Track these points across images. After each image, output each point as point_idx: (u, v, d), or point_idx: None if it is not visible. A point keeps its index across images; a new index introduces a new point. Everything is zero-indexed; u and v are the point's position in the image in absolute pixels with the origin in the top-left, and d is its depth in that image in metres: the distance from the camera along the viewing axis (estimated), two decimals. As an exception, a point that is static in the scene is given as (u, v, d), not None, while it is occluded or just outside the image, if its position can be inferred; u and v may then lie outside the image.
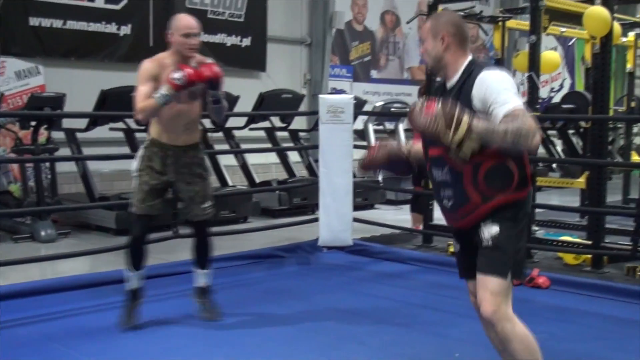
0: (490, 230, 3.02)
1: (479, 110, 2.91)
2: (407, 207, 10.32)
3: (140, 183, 4.56)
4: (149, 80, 4.36)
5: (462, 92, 3.00)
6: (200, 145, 4.75)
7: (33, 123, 7.82)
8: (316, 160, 8.82)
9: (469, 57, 3.12)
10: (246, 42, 12.21)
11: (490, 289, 2.99)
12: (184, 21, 4.50)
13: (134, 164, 4.63)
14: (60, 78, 9.15)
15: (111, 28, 10.39)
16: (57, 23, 9.84)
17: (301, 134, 11.07)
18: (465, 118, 2.76)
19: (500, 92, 2.90)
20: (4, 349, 4.17)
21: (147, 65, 4.45)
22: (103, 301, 5.23)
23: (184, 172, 4.60)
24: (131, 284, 4.66)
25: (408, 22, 13.72)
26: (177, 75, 4.21)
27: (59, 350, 4.28)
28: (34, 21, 9.69)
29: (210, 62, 4.50)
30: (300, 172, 10.64)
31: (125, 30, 10.58)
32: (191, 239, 4.89)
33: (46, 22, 9.78)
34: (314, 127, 9.90)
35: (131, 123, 8.76)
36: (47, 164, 8.46)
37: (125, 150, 8.62)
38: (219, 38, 11.81)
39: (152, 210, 4.57)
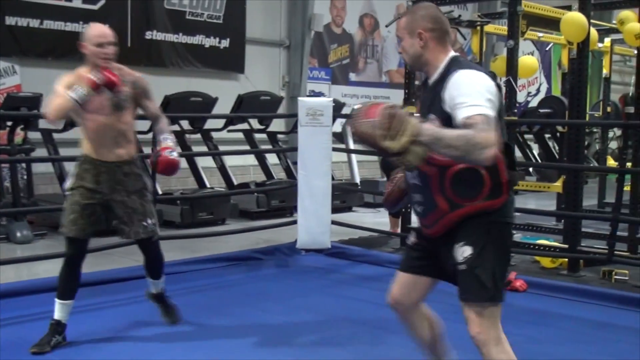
0: (463, 253, 2.83)
1: (447, 112, 2.71)
2: (385, 210, 10.37)
3: (72, 203, 4.23)
4: (64, 88, 4.10)
5: (436, 92, 2.80)
6: (136, 160, 4.41)
7: (9, 123, 7.74)
8: (294, 163, 8.81)
9: (450, 54, 2.90)
10: (225, 43, 12.18)
11: (476, 315, 2.86)
12: (96, 30, 4.24)
13: (67, 182, 4.37)
14: (37, 78, 9.05)
15: (89, 28, 10.31)
16: (34, 22, 9.75)
17: (279, 136, 11.06)
18: (411, 124, 2.52)
19: (467, 94, 2.65)
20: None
21: (65, 77, 4.19)
22: (79, 303, 5.17)
23: (119, 189, 4.27)
24: (57, 313, 4.30)
25: (387, 26, 13.74)
26: (93, 73, 4.06)
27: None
28: (10, 20, 9.59)
29: (136, 75, 4.43)
30: (279, 174, 10.63)
31: (103, 30, 10.50)
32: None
33: (23, 22, 9.69)
34: (292, 130, 9.90)
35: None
36: (24, 165, 8.38)
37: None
38: (197, 39, 11.77)
39: (83, 233, 4.24)
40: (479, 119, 2.56)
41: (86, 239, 4.30)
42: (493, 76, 2.93)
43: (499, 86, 2.81)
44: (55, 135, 8.33)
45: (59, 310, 4.28)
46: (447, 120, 2.67)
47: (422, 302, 3.27)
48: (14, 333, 4.58)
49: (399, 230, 7.76)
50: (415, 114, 2.74)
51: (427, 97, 2.88)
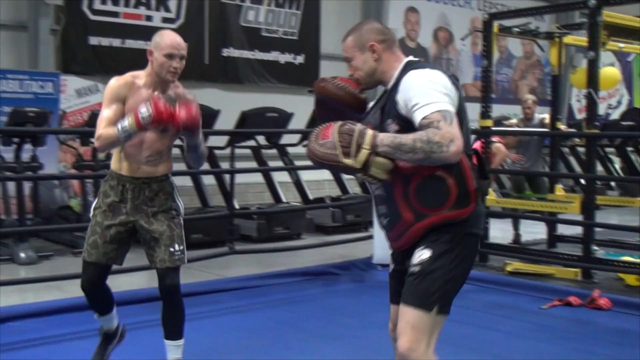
0: (421, 256, 2.64)
1: (405, 116, 2.57)
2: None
3: (94, 224, 3.71)
4: (114, 102, 3.58)
5: (390, 96, 2.66)
6: (168, 178, 3.81)
7: (92, 140, 7.92)
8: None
9: (404, 60, 2.76)
10: (300, 59, 12.29)
11: (411, 322, 2.62)
12: (169, 39, 3.67)
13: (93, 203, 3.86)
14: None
15: (168, 46, 10.56)
16: (116, 42, 10.08)
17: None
18: (368, 136, 2.47)
19: (420, 94, 2.51)
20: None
21: (114, 84, 3.62)
22: (158, 316, 5.26)
23: (145, 209, 3.69)
24: (101, 325, 4.02)
25: (463, 39, 13.64)
26: (143, 110, 3.39)
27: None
28: (93, 40, 9.93)
29: (190, 98, 3.65)
30: (354, 189, 10.61)
31: (182, 48, 10.73)
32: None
33: (105, 42, 10.03)
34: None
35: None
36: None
37: (182, 166, 8.71)
38: (272, 55, 11.92)
39: (104, 258, 3.70)
40: (436, 116, 2.45)
41: (108, 265, 3.77)
42: (454, 78, 2.66)
43: (455, 84, 2.63)
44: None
45: (101, 324, 4.00)
46: (405, 124, 2.55)
47: None
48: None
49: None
50: (368, 127, 2.56)
51: (384, 103, 2.72)
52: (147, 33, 10.35)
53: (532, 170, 8.19)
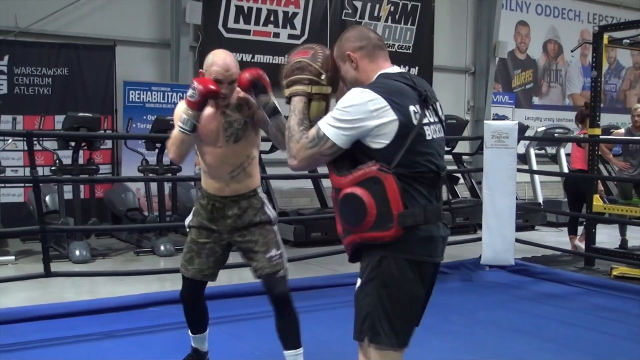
0: (357, 283, 2.43)
1: None
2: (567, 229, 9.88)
3: (188, 241, 3.57)
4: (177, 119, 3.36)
5: None
6: (256, 194, 3.52)
7: (158, 145, 8.00)
8: (478, 182, 8.63)
9: (380, 71, 2.46)
10: (414, 71, 12.21)
11: (360, 348, 2.43)
12: (218, 63, 3.35)
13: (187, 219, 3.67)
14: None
15: (293, 61, 10.75)
16: (247, 57, 10.34)
17: (464, 157, 10.88)
18: (290, 91, 2.50)
19: (335, 108, 2.34)
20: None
21: (179, 107, 3.39)
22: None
23: (237, 226, 3.47)
24: (193, 342, 3.83)
25: (572, 51, 13.19)
26: (189, 92, 3.22)
27: (243, 347, 4.41)
28: (227, 56, 10.21)
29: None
30: (463, 193, 10.44)
31: (305, 62, 10.90)
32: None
33: (238, 57, 10.23)
34: (476, 151, 9.71)
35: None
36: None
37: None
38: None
39: (199, 275, 3.52)
40: (312, 133, 2.35)
41: (204, 281, 3.58)
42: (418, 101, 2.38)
43: (398, 107, 2.30)
44: (263, 156, 8.69)
45: (193, 341, 3.81)
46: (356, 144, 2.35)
47: None
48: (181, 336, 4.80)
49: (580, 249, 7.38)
50: None
51: None
52: (274, 49, 10.63)
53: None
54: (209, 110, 3.36)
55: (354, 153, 2.34)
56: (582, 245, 7.51)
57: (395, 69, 2.49)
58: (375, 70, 2.47)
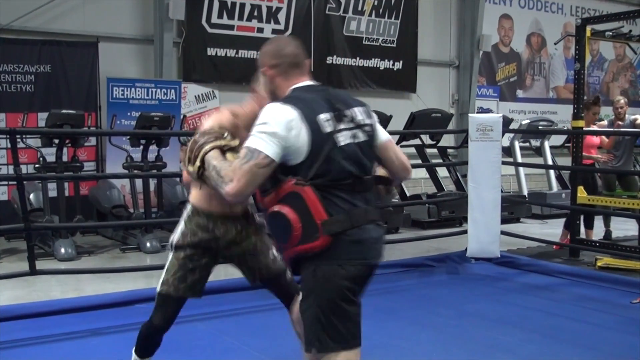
0: (300, 296, 2.52)
1: None
2: (552, 221, 9.95)
3: (180, 259, 3.24)
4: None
5: None
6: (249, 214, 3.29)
7: (143, 141, 8.06)
8: (464, 176, 8.67)
9: (294, 86, 2.52)
10: (398, 65, 12.24)
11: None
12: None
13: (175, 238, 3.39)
14: (233, 101, 9.49)
15: (277, 55, 10.74)
16: (231, 52, 10.32)
17: (449, 150, 10.92)
18: (203, 150, 2.43)
19: (255, 126, 2.36)
20: (182, 341, 4.35)
21: (227, 114, 3.17)
22: (268, 302, 5.36)
23: (237, 240, 3.25)
24: None
25: (556, 43, 13.29)
26: None
27: (232, 343, 4.43)
28: (211, 51, 10.21)
29: None
30: (448, 186, 10.49)
31: (290, 57, 10.90)
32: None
33: (221, 52, 10.28)
34: (461, 145, 9.75)
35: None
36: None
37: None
38: (373, 62, 11.92)
39: (189, 293, 3.25)
40: (242, 152, 2.33)
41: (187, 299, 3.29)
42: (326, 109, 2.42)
43: (310, 117, 2.36)
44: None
45: None
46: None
47: None
48: (213, 326, 4.80)
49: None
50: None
51: None
52: (258, 44, 10.55)
53: (623, 169, 7.85)
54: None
55: (274, 173, 2.36)
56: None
57: (307, 82, 2.55)
58: (289, 85, 2.52)
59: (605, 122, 8.27)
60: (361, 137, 2.49)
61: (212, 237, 3.22)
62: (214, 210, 3.19)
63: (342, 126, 2.44)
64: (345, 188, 2.41)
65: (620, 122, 7.77)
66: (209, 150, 2.46)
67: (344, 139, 2.43)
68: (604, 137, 7.79)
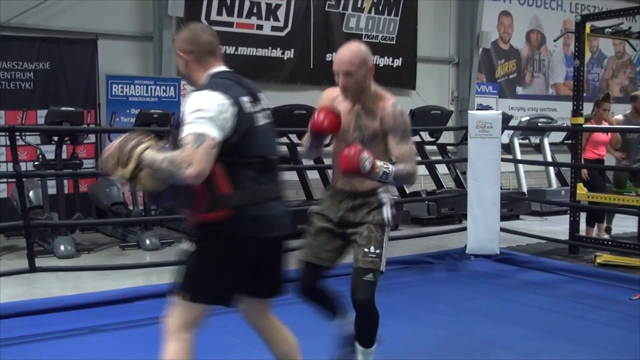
0: (187, 244, 2.76)
1: None
2: (551, 218, 9.97)
3: (311, 225, 3.54)
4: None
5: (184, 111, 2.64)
6: (376, 194, 3.38)
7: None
8: (463, 173, 8.67)
9: (209, 71, 2.74)
10: (397, 62, 12.23)
11: (175, 297, 2.76)
12: (338, 54, 3.35)
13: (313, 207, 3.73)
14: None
15: (276, 53, 10.74)
16: (230, 49, 10.29)
17: (449, 147, 10.92)
18: (137, 151, 2.55)
19: (189, 114, 2.53)
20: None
21: (323, 95, 3.53)
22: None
23: (349, 221, 3.39)
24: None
25: (555, 40, 13.28)
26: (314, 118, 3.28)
27: (232, 341, 4.43)
28: (211, 48, 10.16)
29: (388, 112, 3.26)
30: (447, 183, 10.49)
31: (289, 54, 10.89)
32: None
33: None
34: (461, 142, 9.75)
35: (294, 138, 9.00)
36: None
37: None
38: (372, 59, 11.89)
39: (315, 258, 3.45)
40: (189, 139, 2.48)
41: (320, 268, 3.47)
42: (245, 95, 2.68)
43: (238, 102, 2.61)
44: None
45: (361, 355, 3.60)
46: None
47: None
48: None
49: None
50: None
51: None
52: (257, 41, 10.59)
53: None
54: (346, 104, 3.36)
55: None
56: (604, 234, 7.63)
57: (222, 68, 2.78)
58: (204, 71, 2.75)
59: (621, 117, 8.01)
60: (268, 119, 2.80)
61: (329, 208, 3.46)
62: (337, 184, 3.45)
63: (257, 108, 2.73)
64: (254, 167, 2.67)
65: None
66: (144, 150, 2.58)
67: (260, 119, 2.73)
68: (615, 135, 7.73)
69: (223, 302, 2.81)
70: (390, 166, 3.11)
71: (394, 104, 3.29)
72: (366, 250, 3.31)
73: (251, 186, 2.66)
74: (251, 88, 2.75)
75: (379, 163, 3.07)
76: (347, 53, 3.29)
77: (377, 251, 3.33)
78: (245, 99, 2.67)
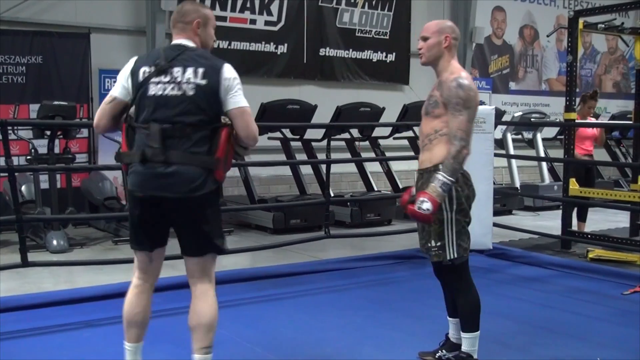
0: None
1: None
2: (544, 213, 9.99)
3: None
4: None
5: None
6: (439, 169, 3.43)
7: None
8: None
9: (177, 42, 3.22)
10: (391, 57, 12.23)
11: None
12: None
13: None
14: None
15: (270, 47, 10.71)
16: (223, 44, 10.27)
17: (442, 142, 10.92)
18: None
19: None
20: (175, 332, 4.34)
21: None
22: (261, 293, 5.37)
23: None
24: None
25: (548, 36, 13.28)
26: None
27: (225, 335, 4.42)
28: (203, 43, 10.12)
29: (452, 85, 3.39)
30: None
31: (282, 49, 10.86)
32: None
33: (214, 44, 10.21)
34: (454, 137, 9.74)
35: (287, 133, 8.99)
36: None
37: (282, 157, 8.84)
38: (366, 54, 11.90)
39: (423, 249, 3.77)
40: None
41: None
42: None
43: (136, 72, 3.06)
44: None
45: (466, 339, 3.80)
46: None
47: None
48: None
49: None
50: None
51: None
52: (250, 35, 10.56)
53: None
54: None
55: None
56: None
57: (176, 41, 3.19)
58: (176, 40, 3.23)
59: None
60: (175, 91, 3.00)
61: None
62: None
63: (156, 79, 3.02)
64: (141, 130, 3.03)
65: None
66: None
67: (155, 90, 3.02)
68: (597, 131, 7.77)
69: (136, 246, 3.34)
70: (440, 173, 3.37)
71: (456, 77, 3.40)
72: (429, 244, 3.65)
73: (141, 147, 3.01)
74: (160, 61, 3.02)
75: (431, 189, 3.33)
76: (430, 22, 3.57)
77: (438, 244, 3.60)
78: (143, 69, 3.05)
